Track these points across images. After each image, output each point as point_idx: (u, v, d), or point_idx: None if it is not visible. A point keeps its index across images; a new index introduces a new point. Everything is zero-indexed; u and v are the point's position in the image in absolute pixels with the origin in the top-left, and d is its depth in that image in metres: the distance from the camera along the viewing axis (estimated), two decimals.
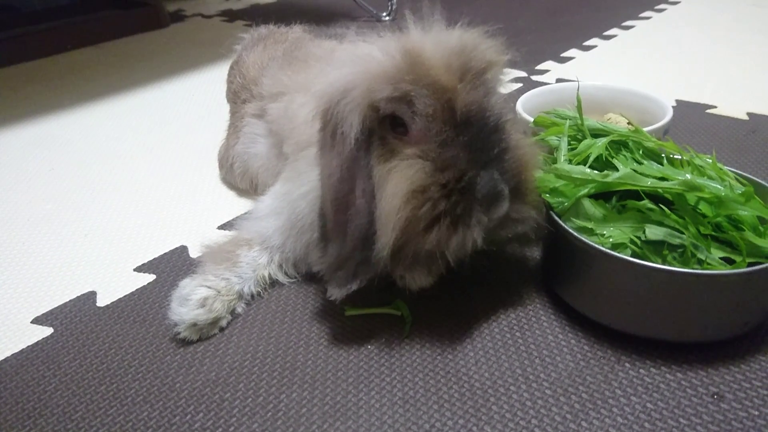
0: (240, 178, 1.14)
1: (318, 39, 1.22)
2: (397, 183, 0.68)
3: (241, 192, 1.18)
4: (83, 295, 0.93)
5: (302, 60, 0.99)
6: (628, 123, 1.12)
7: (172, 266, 0.97)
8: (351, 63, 0.71)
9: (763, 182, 0.79)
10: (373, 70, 0.68)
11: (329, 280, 0.74)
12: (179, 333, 0.80)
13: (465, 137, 0.68)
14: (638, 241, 0.71)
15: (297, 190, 0.81)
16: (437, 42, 0.71)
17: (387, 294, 0.83)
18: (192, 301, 0.80)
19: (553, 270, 0.83)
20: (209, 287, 0.82)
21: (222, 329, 0.82)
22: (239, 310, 0.85)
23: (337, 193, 0.70)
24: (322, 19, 1.29)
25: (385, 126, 0.70)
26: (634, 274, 0.69)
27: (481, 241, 0.69)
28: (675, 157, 0.82)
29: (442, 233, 0.68)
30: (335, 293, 0.74)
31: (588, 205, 0.76)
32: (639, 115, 1.12)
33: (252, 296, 0.87)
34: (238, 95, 1.19)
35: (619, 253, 0.70)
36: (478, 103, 0.69)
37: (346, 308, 0.83)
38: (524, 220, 0.74)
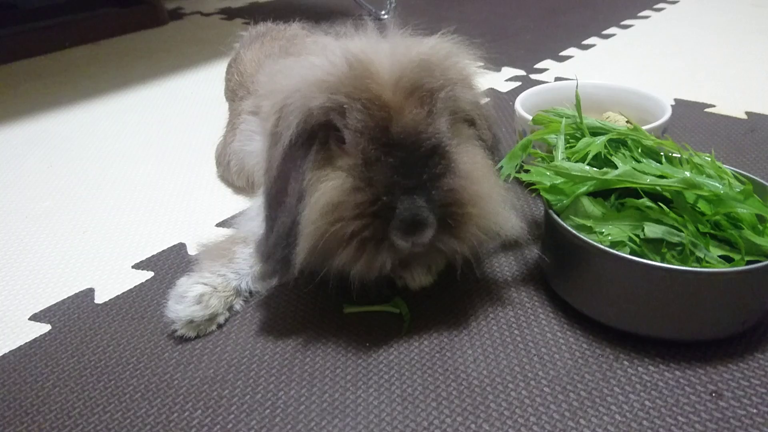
0: (237, 176, 1.13)
1: (314, 36, 1.22)
2: (319, 194, 0.68)
3: (239, 189, 1.17)
4: (81, 292, 0.92)
5: (297, 57, 0.99)
6: (627, 121, 1.12)
7: (171, 263, 0.97)
8: (305, 66, 0.72)
9: (761, 180, 0.79)
10: (315, 76, 0.69)
11: (262, 257, 0.75)
12: (176, 330, 0.80)
13: (393, 159, 0.66)
14: (637, 239, 0.72)
15: None
16: (393, 53, 0.69)
17: (386, 291, 0.83)
18: (188, 298, 0.80)
19: (551, 268, 0.83)
20: (205, 284, 0.82)
21: (220, 326, 0.82)
22: (237, 307, 0.85)
23: (272, 188, 0.72)
24: (320, 16, 1.29)
25: (329, 131, 0.70)
26: (633, 272, 0.69)
27: (390, 266, 0.69)
28: (674, 155, 0.82)
29: (348, 253, 0.67)
30: (257, 286, 0.81)
31: (587, 203, 0.76)
32: (638, 113, 1.13)
33: (250, 293, 0.86)
34: (235, 93, 1.19)
35: (617, 251, 0.70)
36: (415, 124, 0.67)
37: (345, 306, 0.83)
38: (452, 252, 0.71)
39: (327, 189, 0.67)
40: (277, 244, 0.71)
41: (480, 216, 0.70)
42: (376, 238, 0.67)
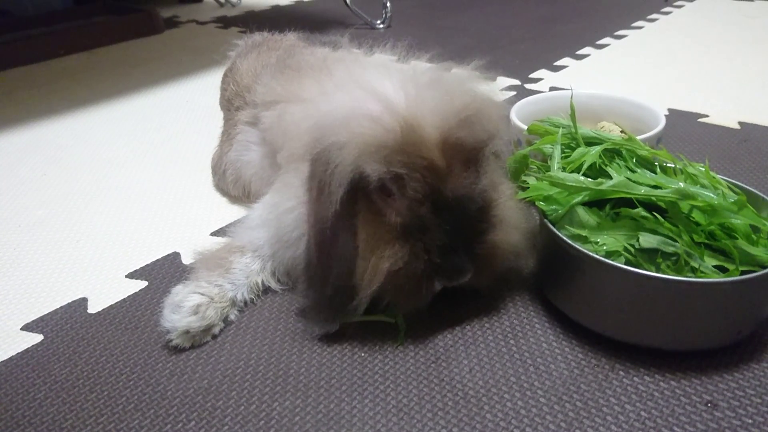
0: (232, 185, 1.13)
1: (311, 47, 1.22)
2: (379, 258, 0.71)
3: (234, 199, 1.17)
4: (74, 301, 0.92)
5: (295, 69, 0.99)
6: (622, 131, 1.12)
7: (165, 273, 0.97)
8: (350, 109, 0.71)
9: (755, 191, 0.80)
10: (368, 136, 0.68)
11: (308, 315, 0.81)
12: (172, 340, 0.79)
13: (445, 223, 0.70)
14: (632, 249, 0.72)
15: (284, 203, 0.82)
16: (437, 112, 0.70)
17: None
18: (185, 308, 0.79)
19: (547, 278, 0.83)
20: (202, 294, 0.81)
21: (215, 336, 0.82)
22: (232, 317, 0.84)
23: (321, 241, 0.74)
24: (316, 26, 1.30)
25: (372, 187, 0.71)
26: (628, 282, 0.69)
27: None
28: (668, 165, 0.82)
29: (399, 298, 0.73)
30: (315, 330, 0.80)
31: (582, 212, 0.76)
32: (632, 123, 1.13)
33: (245, 303, 0.86)
34: (231, 102, 1.19)
35: (613, 260, 0.70)
36: (466, 189, 0.71)
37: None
38: (479, 286, 0.78)
39: (387, 257, 0.71)
40: (335, 295, 0.74)
41: (507, 257, 0.77)
42: (426, 285, 0.73)
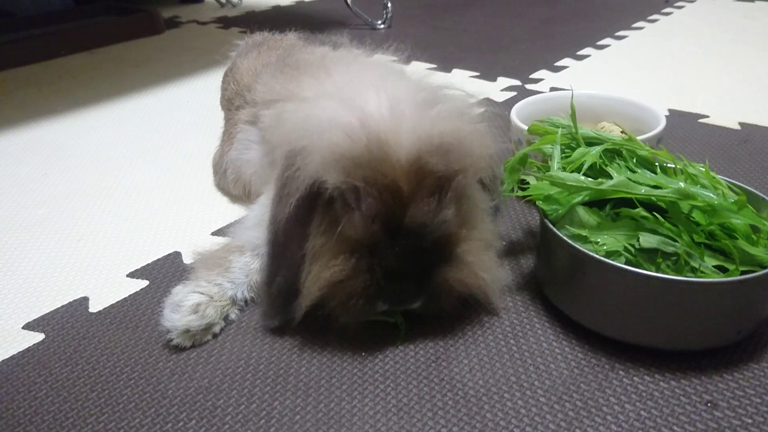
0: (233, 185, 1.13)
1: (311, 46, 1.22)
2: (323, 268, 0.71)
3: (235, 198, 1.17)
4: (75, 300, 0.92)
5: (294, 67, 0.99)
6: (622, 132, 1.13)
7: (166, 272, 0.97)
8: (325, 117, 0.71)
9: (755, 191, 0.80)
10: (334, 145, 0.67)
11: (260, 307, 0.83)
12: (172, 340, 0.79)
13: (398, 248, 0.69)
14: (632, 249, 0.72)
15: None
16: (413, 133, 0.68)
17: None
18: (184, 308, 0.79)
19: (547, 278, 0.83)
20: (202, 293, 0.81)
21: (215, 335, 0.82)
22: (232, 316, 0.84)
23: (273, 241, 0.76)
24: (317, 26, 1.30)
25: (332, 196, 0.71)
26: (628, 282, 0.69)
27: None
28: (668, 165, 0.82)
29: (342, 312, 0.72)
30: (261, 322, 0.82)
31: (582, 212, 0.76)
32: (632, 123, 1.13)
33: (245, 302, 0.86)
34: (232, 102, 1.19)
35: (613, 260, 0.70)
36: (424, 215, 0.69)
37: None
38: (436, 312, 0.76)
39: (329, 267, 0.71)
40: (279, 294, 0.76)
41: (461, 296, 0.75)
42: (367, 304, 0.72)
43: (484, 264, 0.76)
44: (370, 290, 0.70)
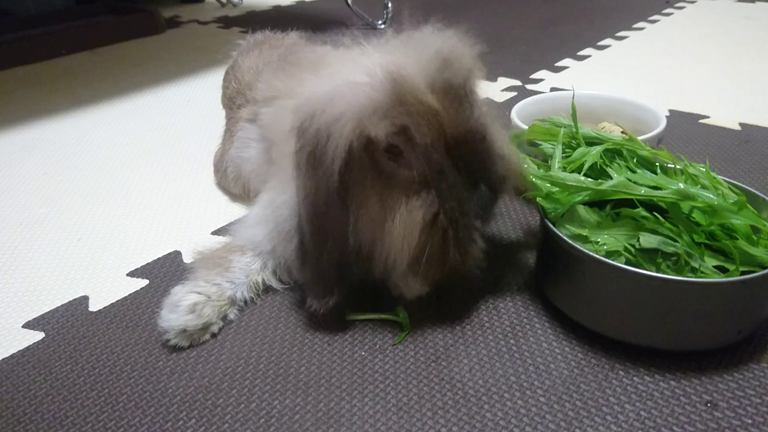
0: (233, 183, 1.13)
1: (312, 45, 1.22)
2: (406, 217, 0.71)
3: (235, 197, 1.17)
4: (75, 299, 0.92)
5: (295, 65, 0.99)
6: (622, 132, 1.13)
7: (166, 271, 0.97)
8: (336, 86, 0.71)
9: (755, 191, 0.80)
10: (363, 100, 0.68)
11: (308, 292, 0.77)
12: (170, 339, 0.79)
13: (459, 161, 0.71)
14: (632, 249, 0.72)
15: (279, 197, 0.82)
16: (418, 60, 0.71)
17: (386, 300, 0.83)
18: (182, 307, 0.79)
19: (547, 277, 0.83)
20: (200, 293, 0.81)
21: (214, 335, 0.82)
22: (232, 316, 0.84)
23: (314, 214, 0.72)
24: (317, 26, 1.30)
25: (377, 150, 0.71)
26: (628, 282, 0.69)
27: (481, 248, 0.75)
28: (669, 165, 0.82)
29: (456, 257, 0.73)
30: (314, 305, 0.76)
31: (582, 211, 0.76)
32: (633, 124, 1.13)
33: (245, 302, 0.86)
34: (233, 100, 1.19)
35: (613, 260, 0.70)
36: (465, 123, 0.71)
37: (348, 312, 0.83)
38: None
39: (414, 209, 0.71)
40: (332, 267, 0.73)
41: (517, 179, 0.79)
42: (471, 233, 0.74)
43: (517, 154, 0.80)
44: (456, 216, 0.71)
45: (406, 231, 0.71)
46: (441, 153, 0.70)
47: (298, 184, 0.74)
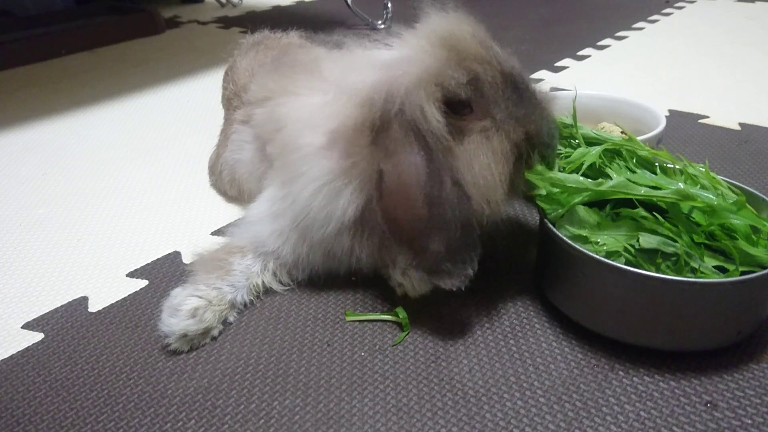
0: (229, 186, 1.13)
1: (307, 46, 1.22)
2: (491, 156, 0.74)
3: (231, 199, 1.17)
4: (75, 300, 0.92)
5: (288, 66, 0.99)
6: (622, 132, 1.12)
7: (165, 272, 0.97)
8: (391, 65, 0.75)
9: (755, 191, 0.80)
10: (430, 64, 0.73)
11: (439, 274, 0.73)
12: (170, 344, 0.79)
13: (520, 97, 0.76)
14: (632, 249, 0.72)
15: (304, 190, 0.78)
16: (449, 28, 0.76)
17: (386, 300, 0.83)
18: (182, 312, 0.79)
19: (546, 278, 0.83)
20: (200, 297, 0.81)
21: (213, 338, 0.82)
22: (231, 319, 0.84)
23: (429, 189, 0.71)
24: (317, 26, 1.30)
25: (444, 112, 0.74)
26: (628, 282, 0.69)
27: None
28: (668, 166, 0.82)
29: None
30: (456, 283, 0.72)
31: (582, 212, 0.76)
32: (632, 124, 1.13)
33: (245, 305, 0.86)
34: (230, 102, 1.19)
35: (613, 261, 0.70)
36: (513, 64, 0.77)
37: (347, 313, 0.83)
38: None
39: (496, 146, 0.75)
40: (462, 233, 0.71)
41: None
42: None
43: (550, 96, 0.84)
44: (539, 142, 0.77)
45: (494, 172, 0.74)
46: (507, 94, 0.75)
47: (393, 168, 0.72)
